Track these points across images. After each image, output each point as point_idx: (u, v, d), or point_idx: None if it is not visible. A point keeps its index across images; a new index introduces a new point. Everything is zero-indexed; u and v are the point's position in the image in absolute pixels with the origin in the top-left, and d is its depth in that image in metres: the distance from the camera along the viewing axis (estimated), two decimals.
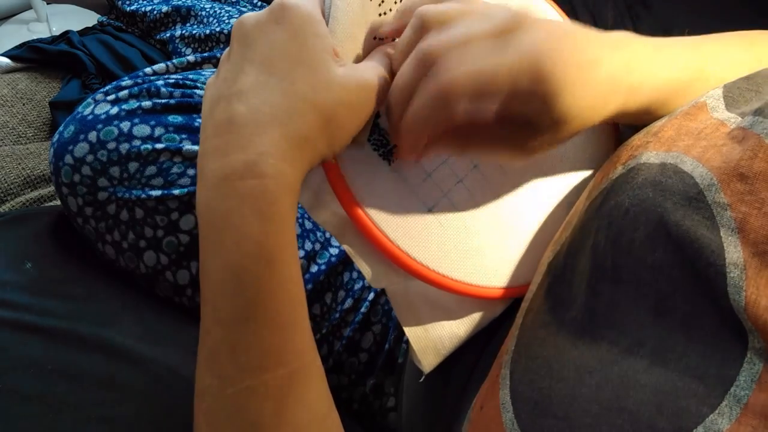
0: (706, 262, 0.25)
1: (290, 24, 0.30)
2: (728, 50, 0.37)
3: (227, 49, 0.33)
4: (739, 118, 0.29)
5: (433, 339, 0.37)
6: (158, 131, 0.50)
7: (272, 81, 0.29)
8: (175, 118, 0.51)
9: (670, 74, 0.34)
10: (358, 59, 0.34)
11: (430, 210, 0.36)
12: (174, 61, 0.65)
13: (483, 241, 0.37)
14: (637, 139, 0.34)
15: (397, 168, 0.36)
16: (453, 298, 0.37)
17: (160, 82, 0.53)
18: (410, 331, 0.37)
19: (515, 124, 0.32)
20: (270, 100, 0.29)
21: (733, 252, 0.25)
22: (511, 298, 0.39)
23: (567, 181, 0.40)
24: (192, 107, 0.53)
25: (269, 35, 0.30)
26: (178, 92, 0.53)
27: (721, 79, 0.34)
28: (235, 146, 0.28)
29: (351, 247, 0.36)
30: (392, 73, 0.33)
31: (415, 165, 0.36)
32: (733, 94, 0.32)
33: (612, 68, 0.31)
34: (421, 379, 0.39)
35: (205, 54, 0.70)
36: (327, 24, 0.32)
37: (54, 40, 0.87)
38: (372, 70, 0.32)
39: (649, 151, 0.31)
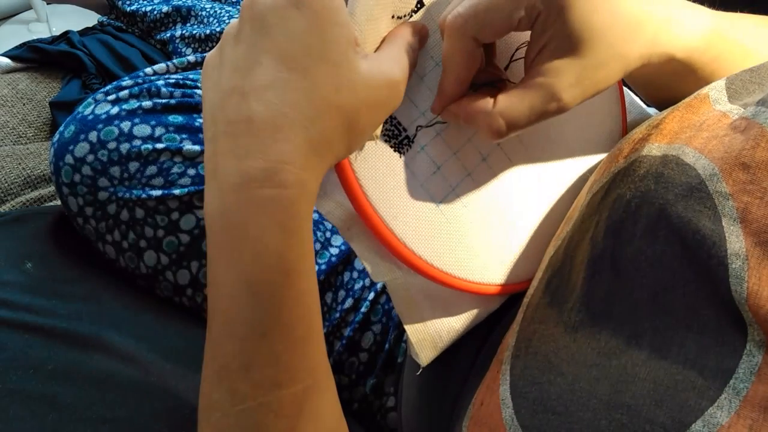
0: (708, 254, 0.25)
1: (310, 11, 0.27)
2: (760, 28, 0.37)
3: (234, 25, 0.30)
4: (742, 110, 0.29)
5: (431, 333, 0.37)
6: (159, 131, 0.50)
7: (293, 79, 0.27)
8: (176, 118, 0.51)
9: (699, 28, 0.33)
10: (378, 43, 0.32)
11: (438, 205, 0.36)
12: (174, 61, 0.65)
13: (488, 238, 0.37)
14: (638, 132, 0.34)
15: (408, 160, 0.35)
16: (453, 293, 0.37)
17: (161, 82, 0.53)
18: (409, 326, 0.37)
19: (541, 56, 0.31)
20: (291, 101, 0.27)
21: (735, 242, 0.25)
22: (509, 293, 0.39)
23: (572, 175, 0.40)
24: (192, 107, 0.53)
25: (287, 22, 0.27)
26: (178, 92, 0.53)
27: (745, 52, 0.34)
28: (253, 150, 0.26)
29: (354, 240, 0.35)
30: (413, 56, 0.32)
31: (425, 157, 0.35)
32: (736, 86, 0.32)
33: None
34: (419, 372, 0.39)
35: (206, 54, 0.70)
36: (346, 5, 0.30)
37: (54, 40, 0.87)
38: (396, 63, 0.30)
39: (650, 143, 0.31)
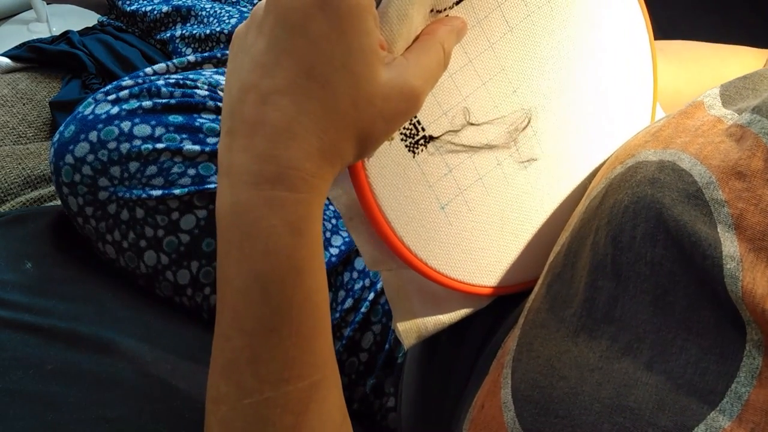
0: (703, 255, 0.26)
1: (335, 14, 0.26)
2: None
3: (260, 11, 0.29)
4: (736, 115, 0.30)
5: (418, 323, 0.38)
6: (159, 131, 0.50)
7: (312, 87, 0.27)
8: (176, 118, 0.51)
9: None
10: (411, 41, 0.31)
11: (443, 208, 0.36)
12: (174, 61, 0.65)
13: (487, 242, 0.37)
14: (635, 139, 0.34)
15: (421, 161, 0.35)
16: (444, 290, 0.38)
17: (161, 82, 0.53)
18: (397, 314, 0.37)
19: None
20: (307, 109, 0.27)
21: (730, 246, 0.25)
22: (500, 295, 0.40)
23: (578, 183, 0.40)
24: (193, 107, 0.53)
25: (311, 24, 0.26)
26: (178, 92, 0.53)
27: None
28: (266, 154, 0.27)
29: (355, 231, 0.36)
30: (447, 55, 0.31)
31: (439, 159, 0.35)
32: (730, 92, 0.32)
33: None
34: (400, 354, 0.39)
35: (206, 54, 0.70)
36: (377, 4, 0.29)
37: (54, 40, 0.87)
38: (422, 72, 0.29)
39: (647, 149, 0.31)
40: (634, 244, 0.28)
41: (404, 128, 0.34)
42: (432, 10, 0.31)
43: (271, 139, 0.27)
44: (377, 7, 0.29)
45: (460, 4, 0.33)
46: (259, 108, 0.27)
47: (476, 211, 0.37)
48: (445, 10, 0.32)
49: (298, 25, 0.27)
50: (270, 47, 0.27)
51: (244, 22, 0.30)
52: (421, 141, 0.34)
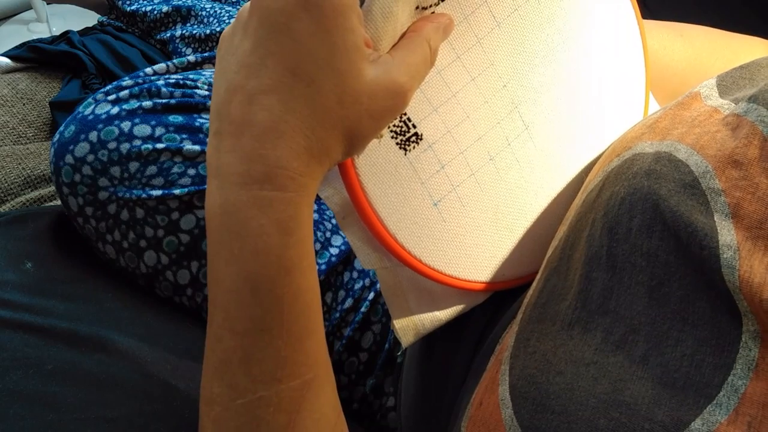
0: (700, 245, 0.26)
1: (319, 13, 0.26)
2: None
3: (245, 12, 0.29)
4: (733, 105, 0.30)
5: (415, 321, 0.38)
6: (159, 131, 0.50)
7: (297, 86, 0.27)
8: (176, 118, 0.51)
9: None
10: (396, 38, 0.31)
11: (436, 204, 0.36)
12: (174, 61, 0.65)
13: (482, 238, 0.37)
14: (632, 131, 0.34)
15: (412, 158, 0.35)
16: (440, 287, 0.38)
17: (161, 82, 0.53)
18: (394, 312, 0.37)
19: None
20: (293, 108, 0.27)
21: (727, 235, 0.25)
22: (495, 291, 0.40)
23: (579, 179, 0.40)
24: (192, 107, 0.53)
25: (294, 23, 0.26)
26: (178, 92, 0.53)
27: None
28: (254, 154, 0.27)
29: (348, 229, 0.36)
30: (433, 52, 0.31)
31: (431, 155, 0.35)
32: (727, 82, 0.32)
33: None
34: (399, 353, 0.39)
35: (206, 54, 0.70)
36: (362, 2, 0.29)
37: (54, 40, 0.87)
38: (408, 69, 0.29)
39: (643, 141, 0.31)
40: (630, 236, 0.28)
41: (395, 126, 0.34)
42: (417, 7, 0.31)
43: (259, 139, 0.27)
44: (361, 5, 0.29)
45: (446, 1, 0.33)
46: (245, 108, 0.27)
47: (470, 206, 0.37)
48: (430, 6, 0.32)
49: (282, 25, 0.27)
50: (255, 48, 0.27)
51: (231, 23, 0.30)
52: (413, 138, 0.34)
